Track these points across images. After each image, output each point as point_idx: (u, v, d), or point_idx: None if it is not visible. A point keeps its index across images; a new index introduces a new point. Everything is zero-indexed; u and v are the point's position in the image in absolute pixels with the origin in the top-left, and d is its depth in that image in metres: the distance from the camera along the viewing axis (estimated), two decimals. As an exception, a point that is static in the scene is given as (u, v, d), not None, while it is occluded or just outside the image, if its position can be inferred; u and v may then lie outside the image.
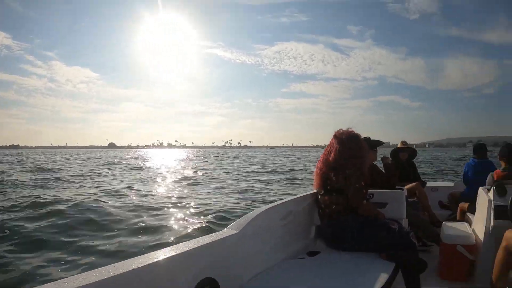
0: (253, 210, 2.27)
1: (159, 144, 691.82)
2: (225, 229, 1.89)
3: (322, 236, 2.58)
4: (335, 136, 2.59)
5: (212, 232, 1.90)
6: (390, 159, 3.79)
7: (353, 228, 2.35)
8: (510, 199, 2.49)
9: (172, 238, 6.14)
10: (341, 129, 2.64)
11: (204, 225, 7.00)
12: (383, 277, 1.88)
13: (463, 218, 3.89)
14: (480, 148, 4.42)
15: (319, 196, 2.56)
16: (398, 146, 5.19)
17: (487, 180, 3.07)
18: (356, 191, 2.41)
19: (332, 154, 2.52)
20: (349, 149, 2.49)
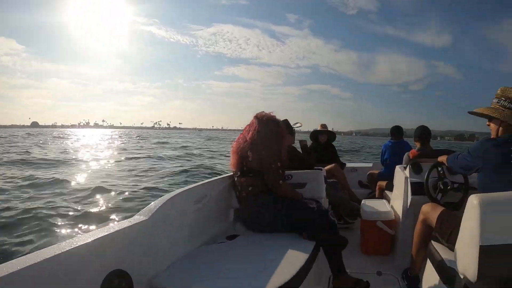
0: (162, 195, 2.11)
1: (85, 123, 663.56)
2: (135, 216, 1.74)
3: (241, 219, 2.54)
4: (255, 117, 2.57)
5: (119, 221, 1.75)
6: (306, 141, 3.86)
7: (272, 209, 2.34)
8: (425, 175, 2.63)
9: (68, 231, 5.60)
10: (263, 112, 2.63)
11: (108, 214, 6.58)
12: (304, 256, 1.88)
13: (382, 196, 4.09)
14: (397, 130, 4.67)
15: (236, 178, 2.51)
16: (318, 128, 5.30)
17: (403, 159, 3.22)
18: (272, 172, 2.39)
19: (250, 133, 2.49)
20: (268, 130, 2.48)
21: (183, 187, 2.34)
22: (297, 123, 3.72)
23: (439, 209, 2.20)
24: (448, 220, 1.99)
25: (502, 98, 1.92)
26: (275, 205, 2.36)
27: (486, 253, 1.35)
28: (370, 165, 5.66)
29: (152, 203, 1.88)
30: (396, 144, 4.50)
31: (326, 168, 4.46)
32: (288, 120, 3.55)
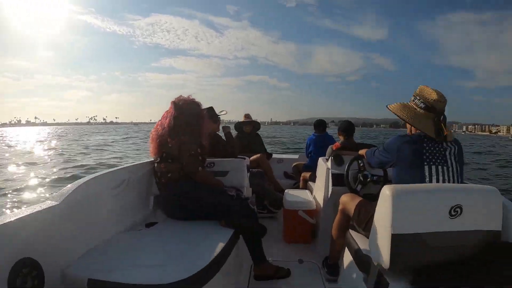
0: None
1: (16, 121, 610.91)
2: (46, 200, 1.64)
3: (160, 206, 2.50)
4: (172, 102, 2.53)
5: (29, 206, 1.55)
6: (229, 127, 3.81)
7: (191, 196, 2.34)
8: (346, 167, 2.78)
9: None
10: (181, 96, 2.59)
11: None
12: (222, 243, 1.90)
13: (305, 186, 4.23)
14: (319, 124, 4.88)
15: (155, 164, 2.45)
16: (242, 119, 5.34)
17: (327, 152, 3.33)
18: (191, 158, 2.38)
19: (168, 119, 2.44)
20: (186, 115, 2.46)
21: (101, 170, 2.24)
22: (222, 111, 3.67)
23: (357, 199, 2.32)
24: (365, 210, 2.10)
25: (417, 97, 2.00)
26: (194, 192, 2.36)
27: (397, 241, 1.45)
28: (296, 156, 5.82)
29: (66, 187, 1.77)
30: (319, 137, 4.69)
31: (252, 158, 4.56)
32: (213, 107, 3.50)
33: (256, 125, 5.45)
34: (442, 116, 1.92)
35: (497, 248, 1.59)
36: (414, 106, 1.98)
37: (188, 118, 2.46)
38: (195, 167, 2.39)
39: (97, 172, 2.18)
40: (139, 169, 2.56)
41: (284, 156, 6.00)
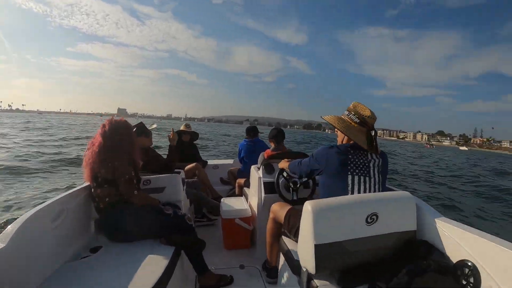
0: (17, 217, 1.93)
1: None
2: None
3: (102, 230, 2.51)
4: (102, 126, 2.52)
5: None
6: (176, 142, 3.85)
7: (130, 218, 2.39)
8: (276, 175, 3.01)
9: None
10: (112, 118, 2.60)
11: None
12: (165, 261, 2.07)
13: (241, 193, 4.42)
14: (251, 130, 5.04)
15: (92, 190, 2.47)
16: (181, 128, 5.48)
17: (258, 159, 3.50)
18: (126, 183, 2.41)
19: (97, 143, 2.44)
20: (116, 139, 2.47)
21: (39, 204, 2.20)
22: (153, 124, 3.71)
23: (287, 207, 2.50)
24: (294, 218, 2.27)
25: (352, 112, 2.15)
26: (133, 214, 2.42)
27: (320, 250, 1.65)
28: (231, 162, 6.01)
29: (8, 227, 1.76)
30: (250, 143, 4.85)
31: (187, 167, 4.69)
32: (142, 122, 3.51)
33: (193, 135, 5.60)
34: (373, 131, 2.11)
35: (411, 246, 1.87)
36: (349, 120, 2.15)
37: (119, 141, 2.47)
38: (131, 191, 2.42)
39: (38, 206, 2.14)
40: (76, 196, 2.53)
41: (219, 162, 6.13)
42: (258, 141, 4.94)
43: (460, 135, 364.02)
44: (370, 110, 2.13)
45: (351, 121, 2.14)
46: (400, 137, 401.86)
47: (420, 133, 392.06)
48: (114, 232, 2.43)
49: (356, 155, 2.05)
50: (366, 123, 2.10)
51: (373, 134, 2.10)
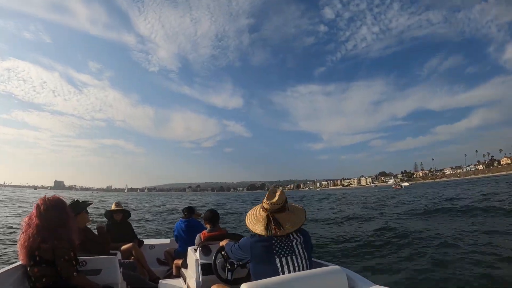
0: None
1: None
2: None
3: None
4: (36, 205, 2.54)
5: None
6: (103, 226, 3.90)
7: None
8: (213, 256, 3.12)
9: None
10: (45, 196, 2.64)
11: None
12: None
13: (179, 274, 4.47)
14: (188, 210, 5.25)
15: (28, 268, 2.43)
16: (112, 208, 5.51)
17: (195, 241, 3.67)
18: (65, 263, 2.43)
19: (34, 223, 2.46)
20: (52, 219, 2.50)
21: None
22: (88, 201, 3.82)
23: None
24: None
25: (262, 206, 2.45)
26: None
27: None
28: (168, 241, 6.03)
29: None
30: (187, 223, 5.03)
31: (123, 247, 4.73)
32: (78, 200, 3.62)
33: (125, 213, 5.65)
34: (281, 209, 2.36)
35: None
36: (256, 212, 2.46)
37: (56, 220, 2.50)
38: (70, 273, 2.44)
39: None
40: (10, 275, 2.49)
41: (155, 241, 6.14)
42: (193, 221, 5.09)
43: (402, 172, 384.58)
44: (279, 194, 2.40)
45: (257, 213, 2.44)
46: (345, 184, 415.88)
47: (363, 177, 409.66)
48: None
49: (279, 238, 2.25)
50: (265, 210, 2.38)
51: (277, 214, 2.33)
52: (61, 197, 2.71)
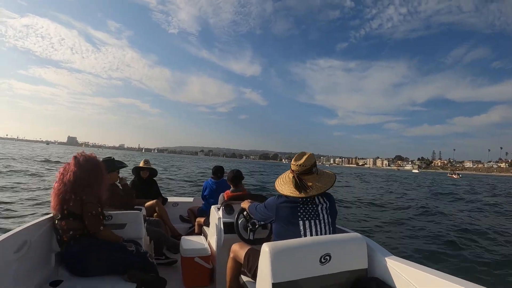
0: None
1: None
2: None
3: (63, 264, 2.57)
4: (74, 157, 2.67)
5: None
6: (125, 179, 4.08)
7: (93, 253, 2.52)
8: (236, 216, 3.25)
9: None
10: (83, 152, 2.78)
11: None
12: None
13: (200, 231, 4.65)
14: (218, 171, 5.28)
15: (56, 221, 2.56)
16: (140, 164, 5.67)
17: (219, 200, 3.80)
18: (93, 218, 2.55)
19: (68, 175, 2.57)
20: (87, 174, 2.61)
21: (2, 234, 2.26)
22: (122, 163, 3.99)
23: (246, 247, 2.71)
24: (253, 258, 2.44)
25: (290, 165, 2.49)
26: (96, 249, 2.54)
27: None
28: (191, 200, 6.23)
29: None
30: (216, 183, 5.14)
31: (147, 204, 4.92)
32: (113, 158, 3.78)
33: (152, 171, 5.79)
34: (307, 171, 2.39)
35: (362, 283, 2.09)
36: (284, 176, 2.52)
37: (89, 176, 2.62)
38: (97, 227, 2.57)
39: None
40: (40, 226, 2.62)
41: (179, 199, 6.32)
42: (223, 182, 5.14)
43: (419, 159, 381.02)
44: (306, 157, 2.43)
45: (286, 176, 2.51)
46: (360, 163, 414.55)
47: (379, 159, 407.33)
48: (76, 266, 2.51)
49: (304, 201, 2.31)
50: (292, 171, 2.44)
51: (304, 176, 2.38)
52: (97, 156, 2.84)
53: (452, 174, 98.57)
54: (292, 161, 2.47)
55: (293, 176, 2.39)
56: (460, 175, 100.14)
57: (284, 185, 2.42)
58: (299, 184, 2.33)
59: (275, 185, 2.50)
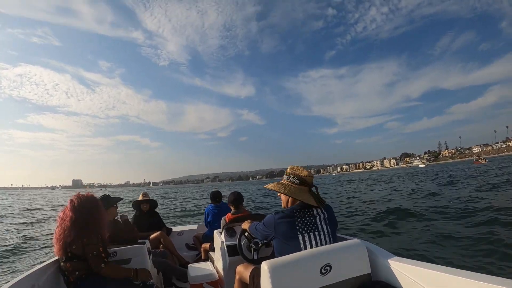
0: None
1: None
2: None
3: None
4: (70, 201, 2.72)
5: None
6: (126, 216, 4.15)
7: None
8: (237, 238, 3.29)
9: None
10: (79, 193, 2.82)
11: None
12: None
13: (207, 257, 4.70)
14: (215, 195, 5.40)
15: (61, 264, 2.63)
16: (139, 198, 5.76)
17: (221, 223, 3.84)
18: (94, 258, 2.59)
19: (67, 220, 2.63)
20: (86, 215, 2.66)
21: (8, 281, 2.31)
22: (119, 198, 4.05)
23: (250, 267, 2.77)
24: (258, 277, 2.41)
25: (291, 175, 2.43)
26: (103, 287, 2.60)
27: None
28: (195, 227, 6.30)
29: None
30: (216, 208, 5.23)
31: (152, 236, 4.98)
32: (109, 195, 3.84)
33: (152, 203, 5.88)
34: (314, 188, 2.42)
35: (366, 287, 2.09)
36: (289, 183, 2.43)
37: (88, 217, 2.67)
38: (98, 266, 2.61)
39: (6, 284, 2.27)
40: (46, 270, 2.71)
41: (183, 228, 6.40)
42: (223, 205, 5.23)
43: (425, 152, 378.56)
44: (306, 170, 2.47)
45: (291, 184, 2.43)
46: (367, 167, 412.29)
47: (386, 159, 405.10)
48: None
49: (302, 215, 2.29)
50: (305, 182, 2.41)
51: (314, 190, 2.42)
52: (93, 194, 2.89)
53: (478, 160, 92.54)
54: (299, 172, 2.46)
55: (311, 187, 2.43)
56: (487, 160, 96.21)
57: (302, 194, 2.37)
58: (319, 196, 2.39)
59: (284, 190, 2.41)
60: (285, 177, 2.51)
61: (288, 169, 2.52)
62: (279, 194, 2.53)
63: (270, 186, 2.53)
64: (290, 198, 2.44)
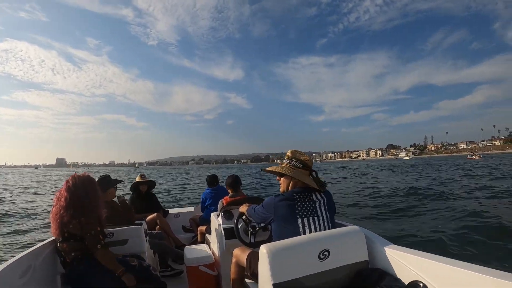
0: None
1: None
2: None
3: (69, 285, 2.62)
4: (67, 181, 2.71)
5: None
6: (123, 197, 4.15)
7: (97, 272, 2.59)
8: (235, 221, 3.29)
9: None
10: (75, 174, 2.80)
11: None
12: None
13: (203, 239, 4.74)
14: (212, 179, 5.41)
15: (58, 244, 2.63)
16: (137, 179, 5.75)
17: (218, 206, 3.84)
18: (92, 238, 2.58)
19: (63, 200, 2.61)
20: (82, 195, 2.65)
21: (5, 261, 2.31)
22: (119, 179, 4.05)
23: (247, 251, 2.76)
24: (255, 260, 2.41)
25: (293, 159, 2.46)
26: (99, 268, 2.59)
27: None
28: (192, 209, 6.31)
29: None
30: (213, 191, 5.24)
31: (148, 218, 4.99)
32: (109, 175, 3.86)
33: (151, 184, 5.89)
34: (314, 173, 2.46)
35: (364, 274, 2.11)
36: (292, 167, 2.46)
37: (84, 197, 2.67)
38: (94, 245, 2.60)
39: (3, 264, 2.26)
40: (43, 250, 2.70)
41: (180, 210, 6.41)
42: (220, 188, 5.26)
43: (411, 145, 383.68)
44: (307, 155, 2.50)
45: (294, 167, 2.46)
46: (353, 156, 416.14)
47: (372, 150, 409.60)
48: (81, 286, 2.56)
49: (302, 199, 2.30)
50: (307, 166, 2.45)
51: (314, 175, 2.46)
52: (90, 174, 2.87)
53: (472, 156, 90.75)
54: (300, 156, 2.49)
55: (311, 171, 2.46)
56: (481, 156, 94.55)
57: (304, 176, 2.41)
58: (319, 180, 2.41)
59: (284, 171, 2.44)
60: (286, 161, 2.53)
61: (289, 153, 2.54)
62: (278, 178, 2.56)
63: (273, 168, 2.56)
64: (291, 182, 2.46)
